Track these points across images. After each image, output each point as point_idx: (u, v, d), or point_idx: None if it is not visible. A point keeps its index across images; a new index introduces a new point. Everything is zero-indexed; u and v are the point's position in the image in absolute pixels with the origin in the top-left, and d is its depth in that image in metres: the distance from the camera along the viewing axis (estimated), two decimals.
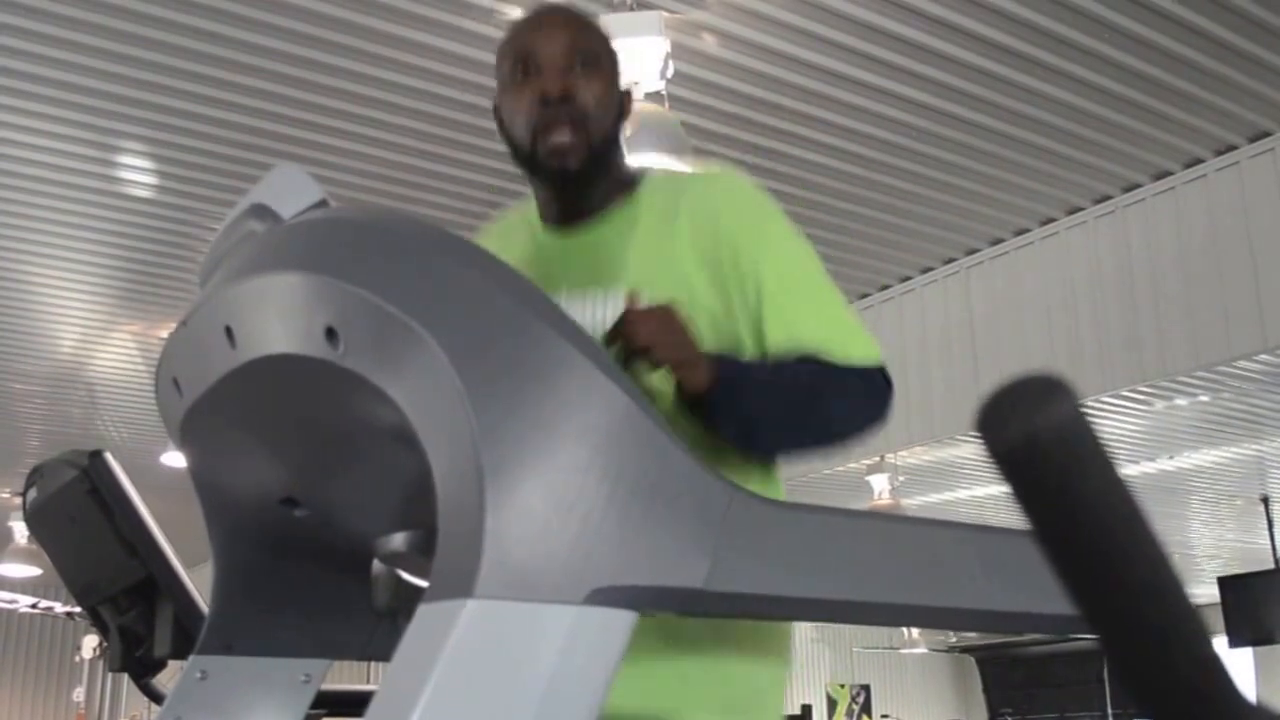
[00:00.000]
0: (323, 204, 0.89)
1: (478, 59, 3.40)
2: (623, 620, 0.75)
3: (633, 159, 1.41)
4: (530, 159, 1.29)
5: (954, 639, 12.15)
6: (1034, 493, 0.36)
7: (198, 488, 1.05)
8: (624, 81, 1.38)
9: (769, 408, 1.21)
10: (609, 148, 1.32)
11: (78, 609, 4.70)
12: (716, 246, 1.27)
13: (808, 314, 1.27)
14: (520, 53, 1.30)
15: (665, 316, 1.15)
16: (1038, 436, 0.34)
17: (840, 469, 5.51)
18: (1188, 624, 0.39)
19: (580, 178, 1.30)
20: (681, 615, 0.81)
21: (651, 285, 1.24)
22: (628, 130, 1.39)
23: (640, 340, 1.12)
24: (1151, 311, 4.26)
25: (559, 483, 0.73)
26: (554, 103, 1.26)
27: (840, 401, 1.24)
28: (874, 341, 1.28)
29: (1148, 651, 0.38)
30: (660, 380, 1.18)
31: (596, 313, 1.27)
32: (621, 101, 1.35)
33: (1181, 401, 5.02)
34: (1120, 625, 0.38)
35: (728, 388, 1.16)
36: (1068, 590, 0.37)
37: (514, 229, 1.42)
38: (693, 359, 1.14)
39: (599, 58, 1.31)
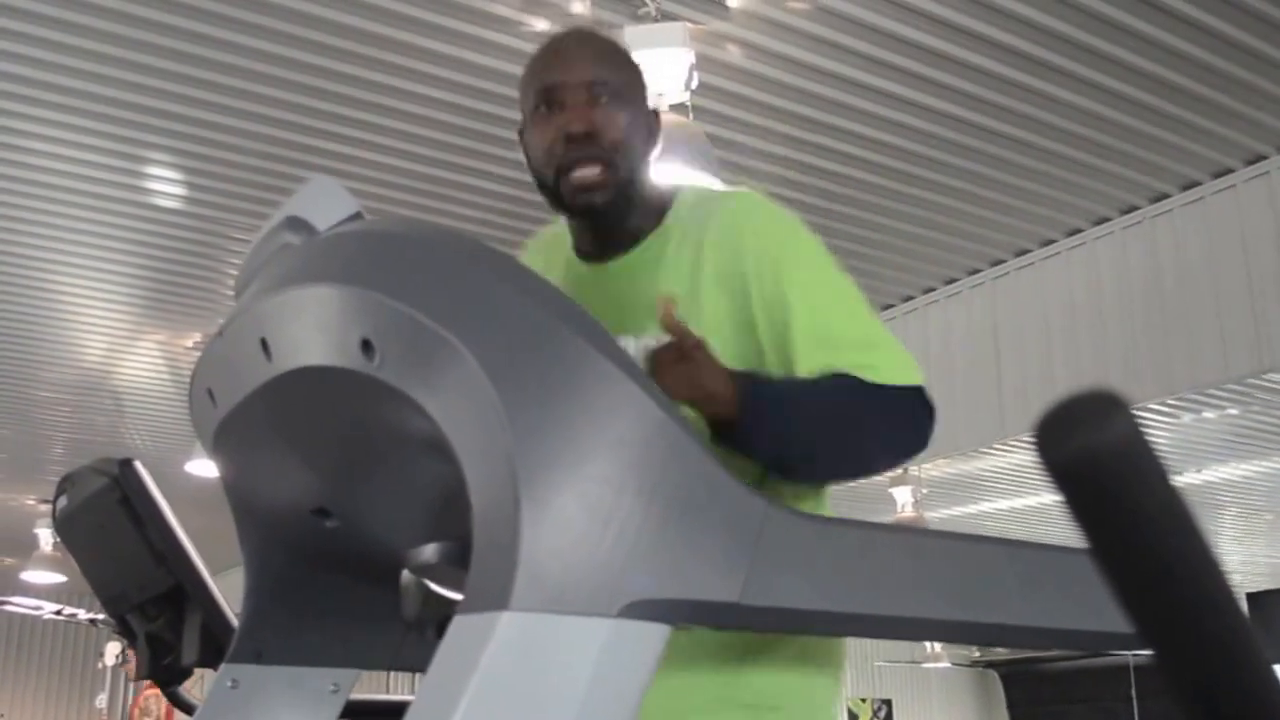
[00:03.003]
0: (357, 216, 0.89)
1: (502, 70, 3.42)
2: (657, 633, 0.74)
3: (658, 171, 1.40)
4: (556, 195, 1.27)
5: (978, 653, 12.06)
6: (1092, 508, 0.35)
7: (230, 497, 1.06)
8: (651, 99, 1.35)
9: (803, 430, 1.17)
10: (637, 178, 1.29)
11: (101, 616, 4.72)
12: (742, 273, 1.24)
13: (840, 332, 1.22)
14: (541, 87, 1.27)
15: (685, 350, 1.11)
16: (1097, 452, 0.34)
17: (864, 481, 5.48)
18: (1244, 642, 0.38)
19: (608, 213, 1.28)
20: (716, 629, 0.80)
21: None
22: (656, 151, 1.35)
23: (659, 380, 1.08)
24: (1180, 324, 4.23)
25: (593, 496, 0.73)
26: (578, 140, 1.23)
27: (879, 422, 1.19)
28: (914, 362, 1.22)
29: (1204, 669, 0.38)
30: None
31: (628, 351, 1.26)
32: (650, 125, 1.32)
33: (1210, 415, 4.98)
34: (1176, 642, 0.37)
35: (756, 412, 1.12)
36: (1123, 606, 0.37)
37: (555, 250, 1.40)
38: (713, 392, 1.11)
39: (622, 87, 1.28)
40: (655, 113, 1.35)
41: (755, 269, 1.23)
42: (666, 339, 1.13)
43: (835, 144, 3.90)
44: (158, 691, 6.79)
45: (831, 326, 1.22)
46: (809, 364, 1.20)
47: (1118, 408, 0.35)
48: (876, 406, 1.18)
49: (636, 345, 1.22)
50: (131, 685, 6.89)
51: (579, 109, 1.25)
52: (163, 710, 6.72)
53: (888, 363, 1.20)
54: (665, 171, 1.51)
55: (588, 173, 1.24)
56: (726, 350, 1.18)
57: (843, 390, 1.17)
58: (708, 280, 1.25)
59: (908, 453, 1.22)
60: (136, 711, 6.75)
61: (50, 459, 7.30)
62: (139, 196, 4.17)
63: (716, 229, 1.27)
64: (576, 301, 1.27)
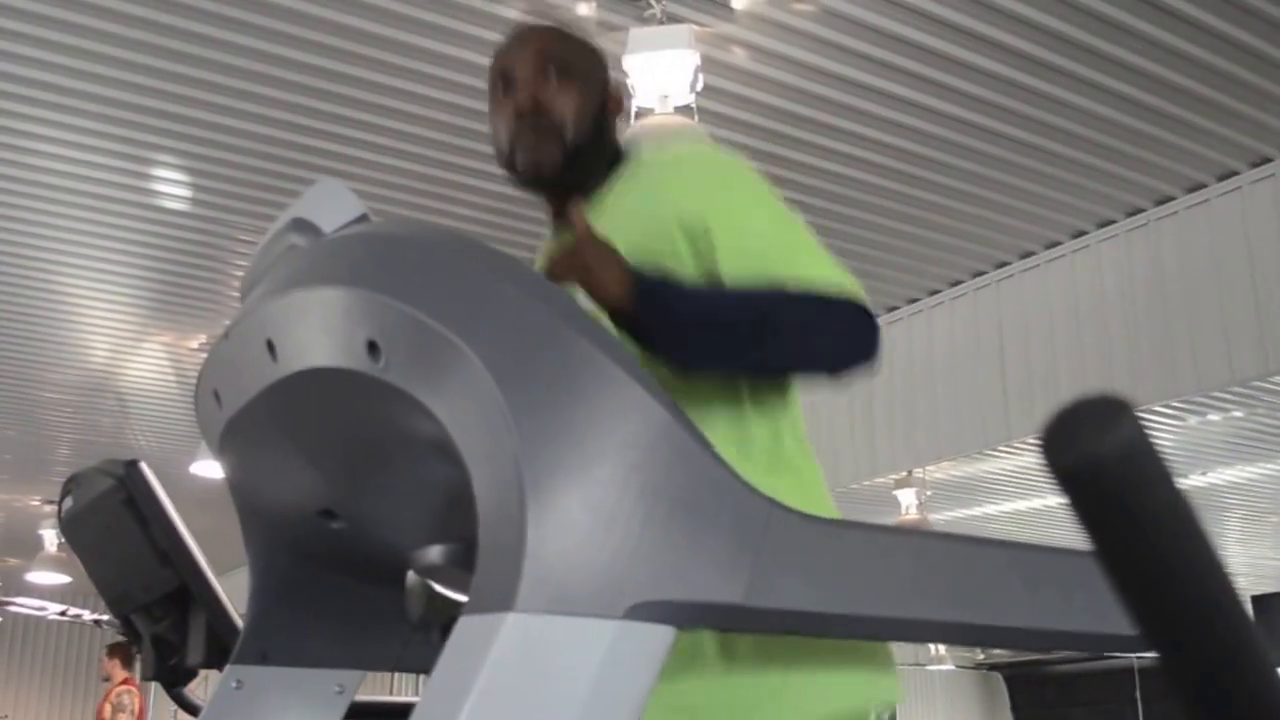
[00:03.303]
0: (363, 219, 0.89)
1: None
2: (662, 635, 0.74)
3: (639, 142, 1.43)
4: (512, 170, 1.34)
5: (982, 656, 12.04)
6: (1098, 512, 0.36)
7: (236, 498, 1.06)
8: (617, 82, 1.41)
9: (707, 322, 1.16)
10: (588, 151, 1.34)
11: (106, 616, 4.73)
12: (663, 220, 1.25)
13: (766, 246, 1.21)
14: (498, 71, 1.37)
15: (580, 239, 1.15)
16: (1102, 457, 0.34)
17: (867, 483, 5.48)
18: (1248, 645, 0.38)
19: (560, 183, 1.33)
20: (721, 631, 0.80)
21: None
22: (623, 129, 1.41)
23: (553, 270, 1.13)
24: (1184, 326, 4.22)
25: (598, 497, 0.73)
26: (526, 117, 1.31)
27: (803, 326, 1.17)
28: (848, 274, 1.21)
29: (1208, 671, 0.38)
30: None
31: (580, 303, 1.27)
32: (603, 104, 1.37)
33: (1215, 417, 4.97)
34: (1181, 645, 0.37)
35: (648, 296, 1.12)
36: (1128, 609, 0.37)
37: (546, 243, 1.46)
38: (601, 277, 1.12)
39: (571, 64, 1.35)
40: (615, 90, 1.40)
41: (679, 215, 1.24)
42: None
43: (840, 146, 3.90)
44: (131, 686, 6.83)
45: (753, 243, 1.22)
46: (733, 273, 1.20)
47: (1123, 412, 0.35)
48: (800, 309, 1.17)
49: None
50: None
51: (527, 87, 1.32)
52: (136, 705, 6.74)
53: (819, 274, 1.19)
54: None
55: (534, 145, 1.31)
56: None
57: (757, 292, 1.17)
58: (634, 235, 1.24)
59: (848, 361, 1.20)
60: (108, 708, 6.77)
61: (55, 460, 7.31)
62: (144, 198, 4.18)
63: (646, 186, 1.31)
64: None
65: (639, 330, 1.15)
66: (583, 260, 1.14)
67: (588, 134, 1.33)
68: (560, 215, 1.37)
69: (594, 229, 1.17)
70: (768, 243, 1.22)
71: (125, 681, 6.83)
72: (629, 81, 3.01)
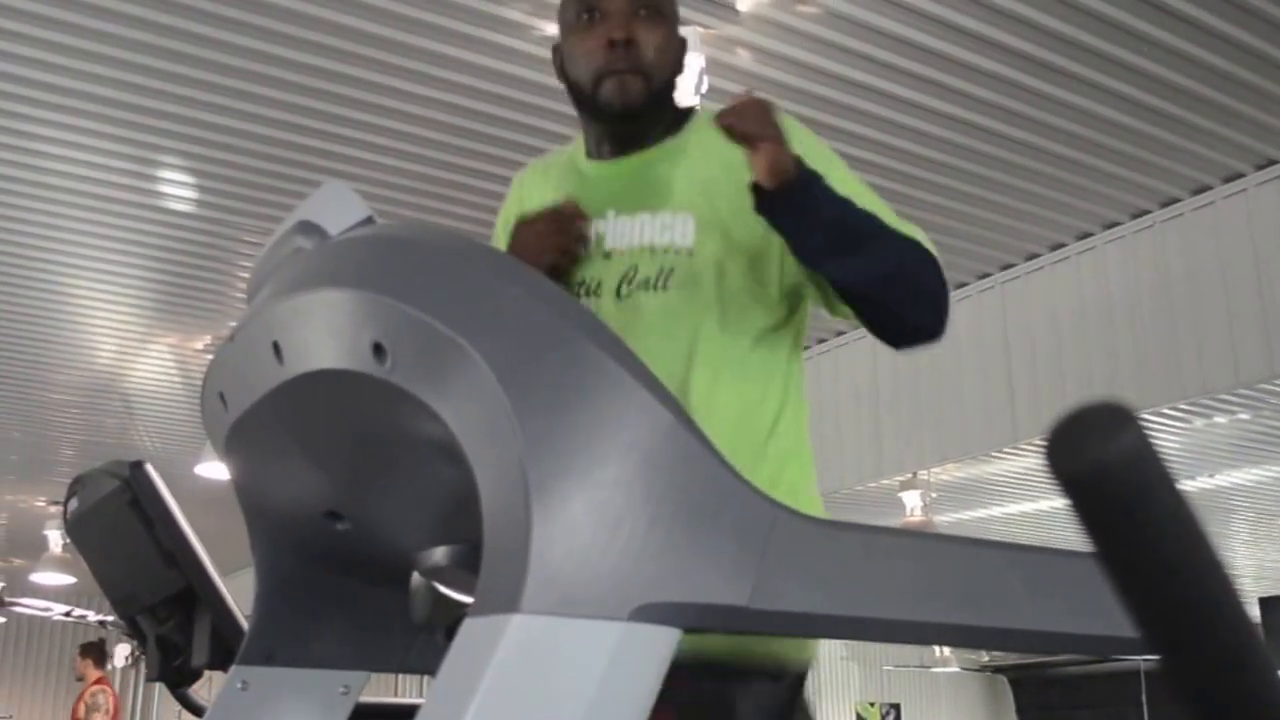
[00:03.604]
0: (369, 221, 0.90)
1: (514, 74, 3.43)
2: (666, 637, 0.75)
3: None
4: (593, 100, 1.37)
5: (986, 658, 12.03)
6: (1101, 518, 0.36)
7: (242, 500, 1.06)
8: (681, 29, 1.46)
9: (840, 228, 1.22)
10: (667, 90, 1.40)
11: (111, 617, 4.74)
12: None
13: (861, 196, 1.29)
14: (582, 1, 1.38)
15: (761, 105, 1.20)
16: (1106, 464, 0.35)
17: (873, 485, 5.48)
18: (1251, 649, 0.39)
19: (640, 118, 1.38)
20: (726, 633, 0.81)
21: (696, 208, 1.30)
22: (683, 73, 1.46)
23: (729, 116, 1.18)
24: (1191, 328, 4.22)
25: (604, 499, 0.73)
26: (619, 47, 1.34)
27: (906, 255, 1.25)
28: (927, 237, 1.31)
29: (1211, 675, 0.38)
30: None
31: (644, 232, 1.32)
32: (680, 46, 1.42)
33: (1221, 419, 4.96)
34: (1184, 650, 0.38)
35: (805, 187, 1.18)
36: (1132, 614, 0.37)
37: (554, 168, 1.49)
38: (776, 139, 1.17)
39: (660, 6, 1.39)
40: (683, 40, 1.45)
41: None
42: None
43: (844, 148, 3.88)
44: (105, 685, 6.85)
45: (855, 189, 1.29)
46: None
47: (1127, 419, 0.36)
48: (905, 245, 1.26)
49: (653, 225, 1.31)
50: (141, 686, 6.93)
51: (620, 19, 1.35)
52: (111, 704, 6.75)
53: (907, 226, 1.28)
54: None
55: (627, 77, 1.34)
56: (741, 244, 1.27)
57: (891, 230, 1.25)
58: (726, 176, 1.31)
59: (936, 316, 1.28)
60: (82, 707, 6.79)
61: (60, 461, 7.33)
62: (149, 199, 4.19)
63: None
64: (587, 199, 1.34)
65: (783, 211, 1.20)
66: (757, 120, 1.18)
67: (669, 75, 1.39)
68: (617, 148, 1.41)
69: (775, 108, 1.21)
70: (864, 196, 1.30)
71: (99, 681, 6.86)
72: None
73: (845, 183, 1.29)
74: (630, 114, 1.36)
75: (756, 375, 1.30)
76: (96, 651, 6.80)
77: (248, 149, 3.84)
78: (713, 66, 3.26)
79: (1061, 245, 4.65)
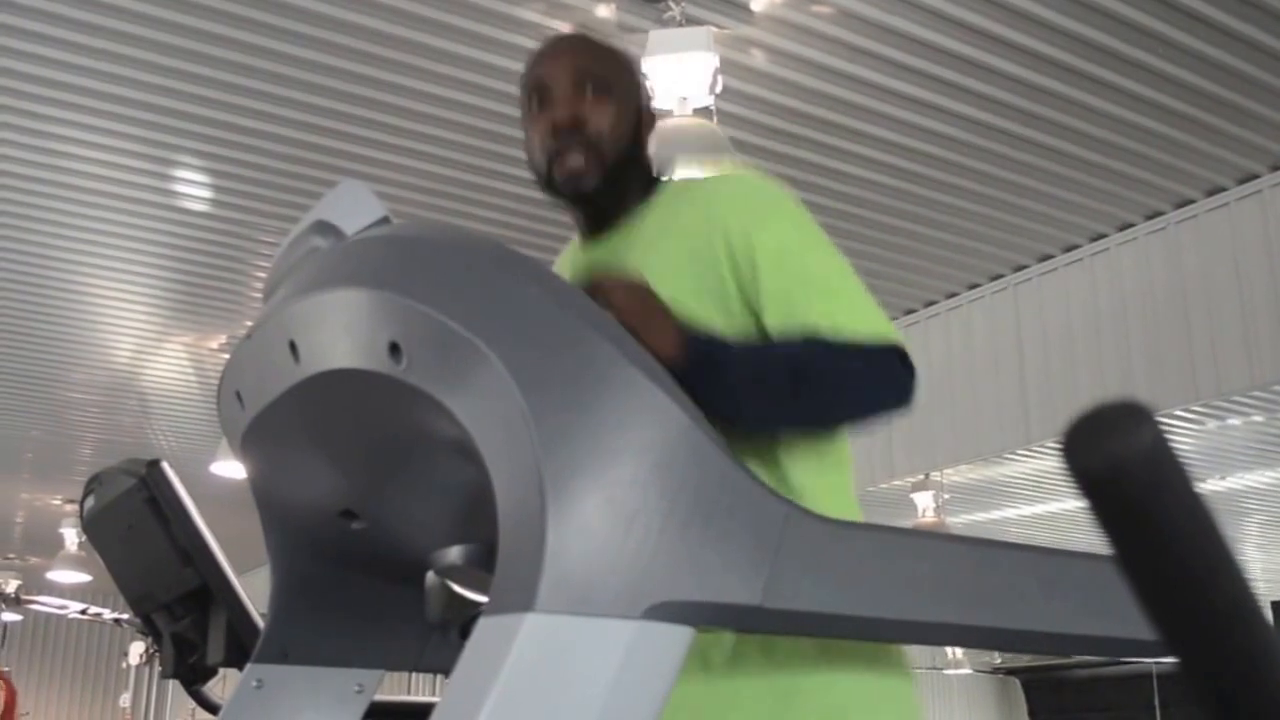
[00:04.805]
0: (385, 221, 0.90)
1: None
2: (680, 635, 0.75)
3: (681, 173, 1.44)
4: (550, 185, 1.34)
5: (999, 660, 11.99)
6: (1118, 518, 0.36)
7: (258, 498, 1.07)
8: (649, 98, 1.42)
9: (752, 384, 1.16)
10: (625, 167, 1.34)
11: (126, 615, 4.76)
12: (711, 242, 1.26)
13: (808, 292, 1.22)
14: (534, 84, 1.36)
15: (634, 287, 1.13)
16: (1123, 462, 0.35)
17: (885, 486, 5.47)
18: (1268, 650, 0.39)
19: (597, 198, 1.34)
20: (738, 632, 0.81)
21: (661, 293, 1.21)
22: (652, 145, 1.41)
23: (602, 296, 1.08)
24: (1204, 330, 4.20)
25: (618, 499, 0.74)
26: (564, 132, 1.31)
27: (840, 380, 1.18)
28: (887, 321, 1.23)
29: (1227, 676, 0.38)
30: None
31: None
32: (639, 120, 1.37)
33: (1235, 422, 4.94)
34: (1200, 650, 0.38)
35: (699, 360, 1.11)
36: (1148, 614, 0.37)
37: (570, 250, 1.47)
38: (661, 326, 1.11)
39: (609, 82, 1.35)
40: (648, 110, 1.41)
41: (724, 237, 1.25)
42: None
43: (859, 148, 3.89)
44: (2, 679, 6.77)
45: (799, 288, 1.23)
46: (775, 321, 1.21)
47: (1144, 418, 0.36)
48: (840, 366, 1.18)
49: None
50: (156, 684, 6.95)
51: (565, 102, 1.32)
52: (2, 698, 6.73)
53: (858, 321, 1.20)
54: (685, 174, 1.54)
55: (574, 160, 1.31)
56: (712, 318, 1.20)
57: (799, 349, 1.18)
58: (681, 255, 1.27)
59: (883, 409, 1.22)
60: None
61: (77, 459, 7.36)
62: (166, 199, 4.21)
63: (695, 200, 1.32)
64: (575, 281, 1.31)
65: (688, 380, 1.13)
66: (637, 309, 1.10)
67: (625, 150, 1.34)
68: (593, 229, 1.38)
69: (647, 282, 1.15)
70: (811, 286, 1.23)
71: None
72: (648, 83, 3.01)
73: (795, 259, 1.24)
74: (584, 198, 1.34)
75: (775, 468, 1.23)
76: None
77: (265, 149, 3.86)
78: (727, 67, 3.26)
79: (1075, 246, 4.63)
